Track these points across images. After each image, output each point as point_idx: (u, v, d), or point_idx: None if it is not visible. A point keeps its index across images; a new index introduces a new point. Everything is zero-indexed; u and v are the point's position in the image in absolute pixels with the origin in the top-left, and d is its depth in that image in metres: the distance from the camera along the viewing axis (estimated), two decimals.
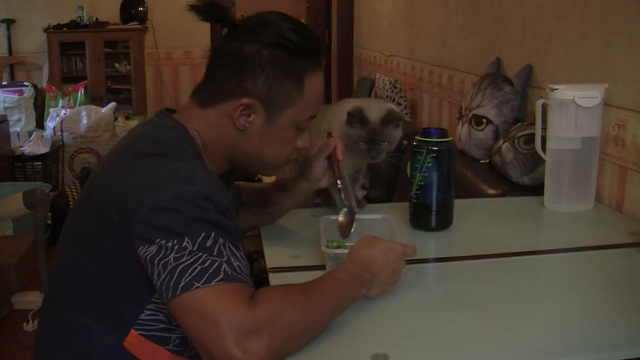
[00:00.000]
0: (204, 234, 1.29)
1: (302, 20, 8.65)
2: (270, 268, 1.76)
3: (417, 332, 1.41)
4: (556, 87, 2.18)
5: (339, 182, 1.85)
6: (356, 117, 2.02)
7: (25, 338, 3.62)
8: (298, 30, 1.55)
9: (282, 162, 1.66)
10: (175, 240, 1.28)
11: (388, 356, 1.30)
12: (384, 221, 1.84)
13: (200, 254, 1.27)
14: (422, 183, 1.95)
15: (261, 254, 1.89)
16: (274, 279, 1.69)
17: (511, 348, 1.35)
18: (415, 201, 2.00)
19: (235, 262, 1.29)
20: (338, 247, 1.74)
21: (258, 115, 1.54)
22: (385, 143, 2.03)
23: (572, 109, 2.14)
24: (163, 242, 1.28)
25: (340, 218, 1.82)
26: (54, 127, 6.19)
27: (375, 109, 2.04)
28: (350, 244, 1.73)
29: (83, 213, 1.51)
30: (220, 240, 1.30)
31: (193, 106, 1.59)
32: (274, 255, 1.85)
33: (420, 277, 1.66)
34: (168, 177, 1.37)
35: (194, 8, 1.51)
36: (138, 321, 1.44)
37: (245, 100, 1.52)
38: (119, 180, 1.42)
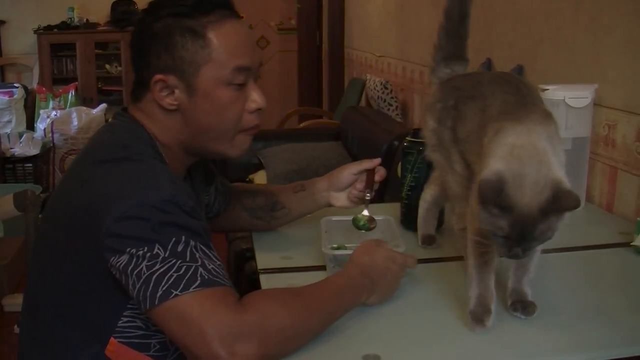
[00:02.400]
0: (174, 239, 1.27)
1: (293, 22, 8.68)
2: (261, 269, 1.75)
3: (409, 332, 1.41)
4: (547, 87, 2.19)
5: (367, 194, 1.84)
6: (494, 196, 1.24)
7: (15, 340, 3.59)
8: None
9: (233, 131, 1.55)
10: (146, 248, 1.26)
11: (379, 357, 1.30)
12: (386, 222, 1.85)
13: (174, 260, 1.25)
14: (413, 184, 1.95)
15: (253, 254, 1.89)
16: (265, 280, 1.68)
17: (502, 348, 1.35)
18: (406, 202, 2.00)
19: (209, 264, 1.28)
20: (339, 249, 1.75)
21: (179, 88, 1.48)
22: (538, 241, 1.31)
23: (563, 109, 2.14)
24: (133, 250, 1.26)
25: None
26: (45, 129, 6.18)
27: (530, 183, 1.24)
28: (352, 245, 1.73)
29: (51, 224, 1.49)
30: (192, 243, 1.29)
31: (133, 104, 1.56)
32: (265, 256, 1.84)
33: (411, 278, 1.65)
34: (129, 183, 1.35)
35: (116, 21, 1.52)
36: (116, 329, 1.41)
37: (157, 77, 1.47)
38: (80, 189, 1.40)
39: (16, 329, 3.70)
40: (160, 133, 1.53)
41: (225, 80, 1.49)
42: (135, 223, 1.29)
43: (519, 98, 1.44)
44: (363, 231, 1.78)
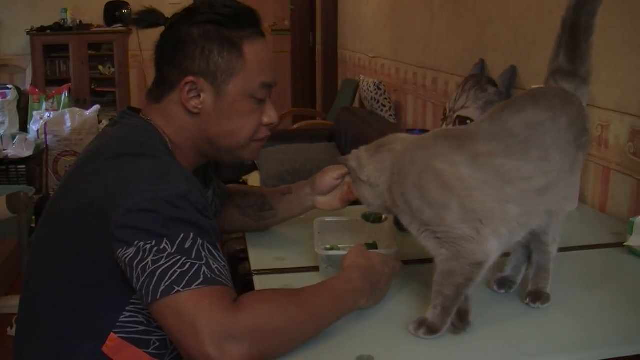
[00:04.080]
0: (182, 235, 1.29)
1: (286, 23, 8.67)
2: (254, 270, 1.75)
3: (402, 333, 1.41)
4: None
5: None
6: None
7: (9, 342, 3.59)
8: (228, 4, 1.56)
9: (249, 139, 1.62)
10: (154, 242, 1.27)
11: (373, 357, 1.30)
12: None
13: (179, 256, 1.26)
14: None
15: (247, 255, 1.89)
16: (259, 281, 1.68)
17: (494, 348, 1.36)
18: None
19: (214, 264, 1.29)
20: (332, 249, 1.76)
21: (206, 92, 1.53)
22: None
23: None
24: (141, 244, 1.27)
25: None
26: (38, 130, 6.16)
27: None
28: (345, 245, 1.74)
29: (56, 218, 1.50)
30: (199, 241, 1.30)
31: (151, 104, 1.59)
32: (258, 257, 1.84)
33: (404, 279, 1.66)
34: (143, 177, 1.37)
35: (134, 21, 1.58)
36: (117, 324, 1.42)
37: (188, 79, 1.51)
38: (93, 183, 1.41)
39: (10, 331, 3.69)
40: (176, 134, 1.57)
41: (251, 93, 1.56)
42: (146, 216, 1.30)
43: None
44: (377, 223, 1.80)
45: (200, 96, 1.53)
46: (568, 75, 1.55)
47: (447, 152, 1.38)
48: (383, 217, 1.81)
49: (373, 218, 1.80)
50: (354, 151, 1.61)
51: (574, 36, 1.54)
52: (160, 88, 1.57)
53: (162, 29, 1.59)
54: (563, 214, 1.51)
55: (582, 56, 1.54)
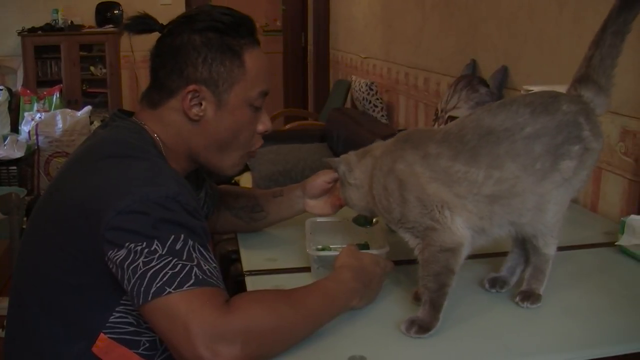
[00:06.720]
0: (173, 236, 1.29)
1: (278, 23, 8.68)
2: (246, 271, 1.75)
3: (394, 333, 1.41)
4: (531, 88, 2.19)
5: None
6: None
7: (1, 344, 3.58)
8: (227, 12, 1.55)
9: (243, 149, 1.63)
10: (145, 244, 1.27)
11: (365, 358, 1.30)
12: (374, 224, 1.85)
13: (170, 258, 1.26)
14: None
15: (239, 256, 1.88)
16: (251, 282, 1.68)
17: (487, 347, 1.36)
18: None
19: (205, 265, 1.29)
20: (323, 250, 1.76)
21: (208, 101, 1.53)
22: None
23: None
24: (132, 245, 1.27)
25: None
26: (29, 131, 6.15)
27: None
28: (336, 246, 1.74)
29: (45, 219, 1.49)
30: (190, 243, 1.30)
31: (145, 109, 1.58)
32: (250, 257, 1.84)
33: (396, 279, 1.66)
34: (133, 179, 1.36)
35: (126, 27, 1.55)
36: (107, 324, 1.42)
37: (191, 87, 1.51)
38: (83, 184, 1.41)
39: (1, 333, 3.68)
40: (171, 140, 1.56)
41: (249, 101, 1.57)
42: (137, 217, 1.30)
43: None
44: (367, 227, 1.79)
45: (201, 104, 1.53)
46: (588, 82, 1.55)
47: (404, 154, 1.49)
48: (374, 220, 1.80)
49: (363, 222, 1.80)
50: (343, 155, 1.68)
51: (599, 50, 1.54)
52: (158, 94, 1.56)
53: (155, 33, 1.58)
54: (551, 219, 1.51)
55: (605, 69, 1.54)
